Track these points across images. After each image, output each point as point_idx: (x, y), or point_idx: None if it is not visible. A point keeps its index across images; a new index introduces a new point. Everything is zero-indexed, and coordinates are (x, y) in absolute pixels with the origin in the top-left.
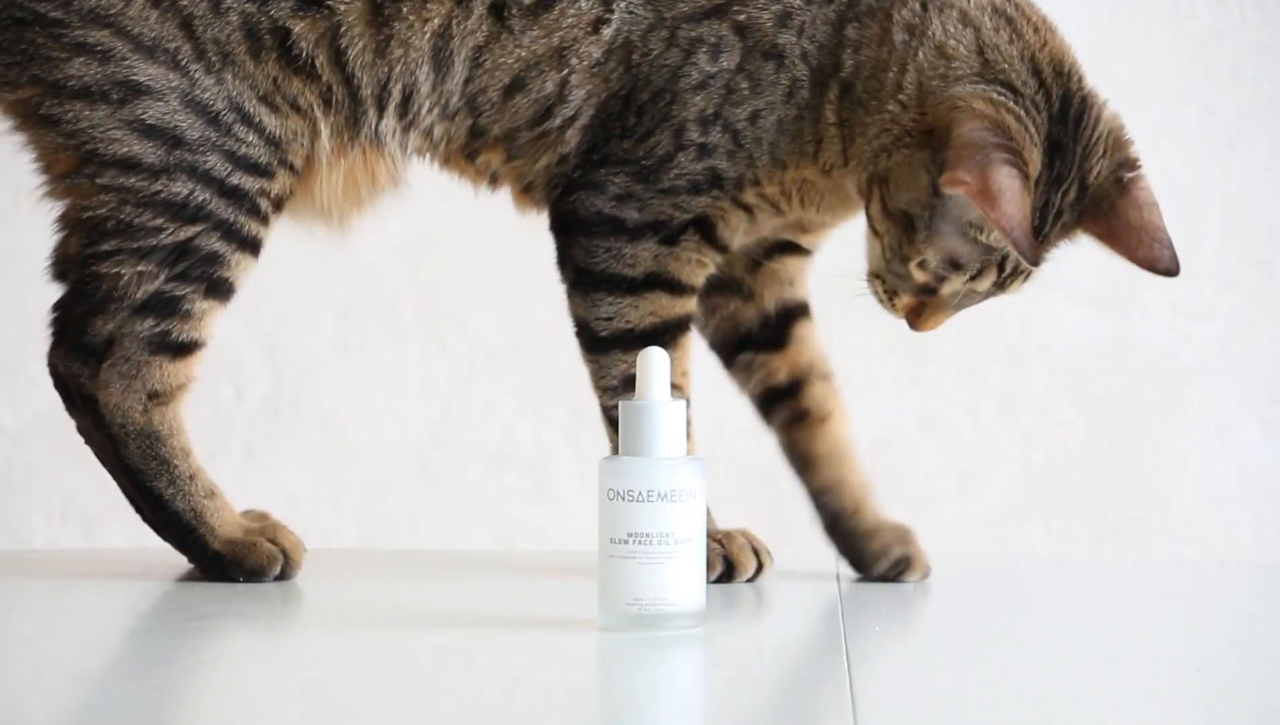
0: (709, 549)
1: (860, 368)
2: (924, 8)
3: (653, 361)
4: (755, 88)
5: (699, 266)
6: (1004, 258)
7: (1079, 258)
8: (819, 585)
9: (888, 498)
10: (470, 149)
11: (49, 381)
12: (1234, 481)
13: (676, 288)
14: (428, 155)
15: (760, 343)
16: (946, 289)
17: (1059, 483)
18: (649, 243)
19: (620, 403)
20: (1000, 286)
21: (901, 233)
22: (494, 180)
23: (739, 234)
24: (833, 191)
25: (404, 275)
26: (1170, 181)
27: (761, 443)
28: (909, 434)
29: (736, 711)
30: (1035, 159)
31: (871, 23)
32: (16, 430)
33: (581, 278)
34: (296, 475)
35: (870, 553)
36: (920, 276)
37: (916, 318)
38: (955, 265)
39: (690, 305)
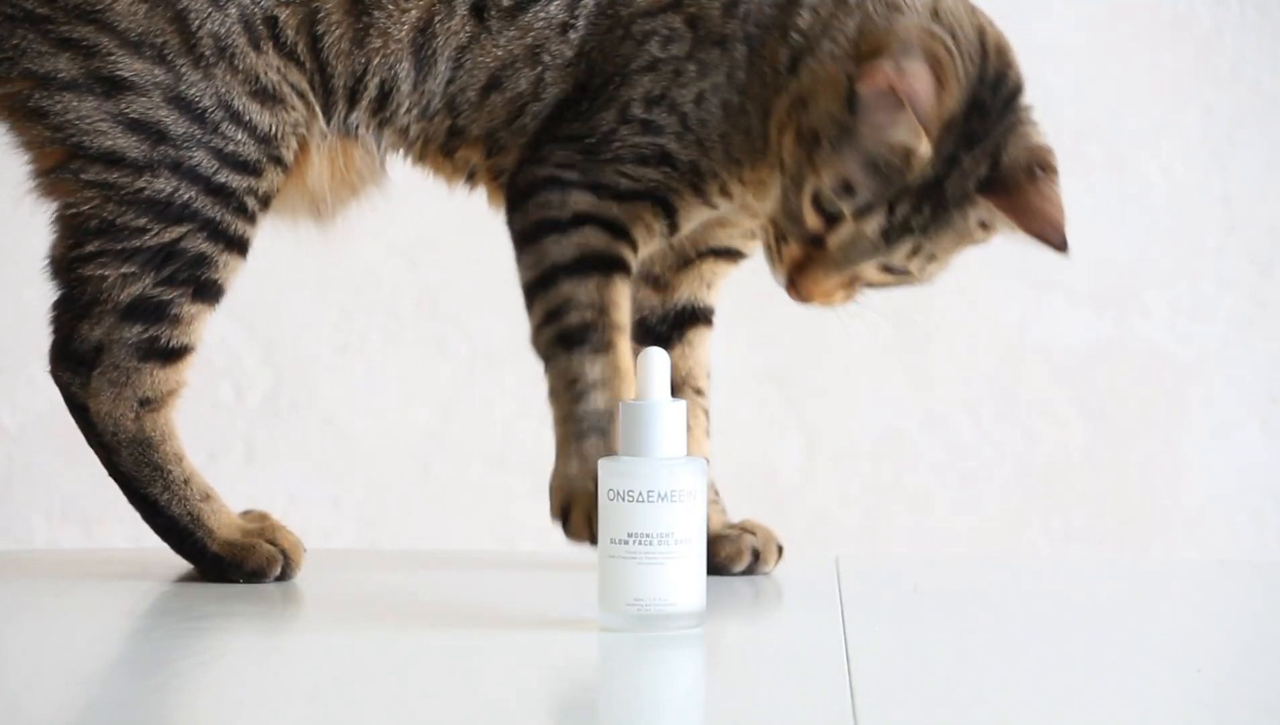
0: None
1: (860, 368)
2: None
3: (653, 362)
4: (702, 70)
5: (643, 227)
6: (893, 201)
7: (1079, 258)
8: (819, 585)
9: (888, 498)
10: (449, 146)
11: (49, 381)
12: (1234, 481)
13: (613, 229)
14: (401, 151)
15: (653, 338)
16: (834, 240)
17: (1059, 483)
18: (585, 195)
19: (620, 403)
20: (886, 239)
21: (805, 154)
22: (471, 177)
23: (693, 224)
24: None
25: (404, 275)
26: (1170, 181)
27: (761, 442)
28: (909, 434)
29: (736, 711)
30: (954, 91)
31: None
32: (16, 430)
33: (522, 242)
34: (296, 475)
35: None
36: (811, 219)
37: (800, 274)
38: (848, 189)
39: (623, 252)
